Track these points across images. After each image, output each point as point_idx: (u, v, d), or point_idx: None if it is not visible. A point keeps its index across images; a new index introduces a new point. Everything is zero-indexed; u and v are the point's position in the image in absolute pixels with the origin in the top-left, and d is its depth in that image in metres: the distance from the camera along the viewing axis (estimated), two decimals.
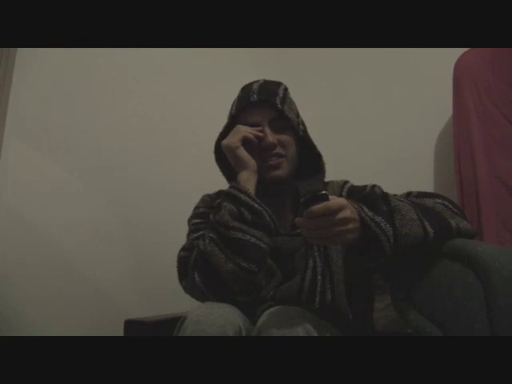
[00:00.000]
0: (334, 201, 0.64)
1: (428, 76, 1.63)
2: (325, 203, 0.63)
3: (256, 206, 0.85)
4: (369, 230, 0.68)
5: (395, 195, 0.91)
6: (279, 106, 0.93)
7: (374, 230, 0.68)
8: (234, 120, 0.98)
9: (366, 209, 0.70)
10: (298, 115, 1.00)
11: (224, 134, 0.99)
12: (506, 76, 1.34)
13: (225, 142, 0.93)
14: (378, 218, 0.69)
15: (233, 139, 0.92)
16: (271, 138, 0.92)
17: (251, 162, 0.92)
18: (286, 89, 1.00)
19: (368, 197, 0.74)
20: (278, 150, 0.94)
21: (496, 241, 1.25)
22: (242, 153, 0.92)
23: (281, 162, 0.94)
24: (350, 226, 0.66)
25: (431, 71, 1.62)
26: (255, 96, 0.94)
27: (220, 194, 1.03)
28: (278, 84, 1.00)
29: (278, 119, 0.94)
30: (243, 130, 0.92)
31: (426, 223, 0.71)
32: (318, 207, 0.63)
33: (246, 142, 0.92)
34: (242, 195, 0.86)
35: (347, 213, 0.66)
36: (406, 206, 0.73)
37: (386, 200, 0.73)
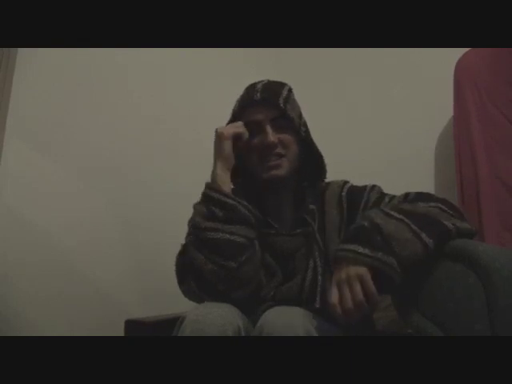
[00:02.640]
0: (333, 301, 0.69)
1: (428, 76, 1.63)
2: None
3: (229, 201, 0.86)
4: (376, 269, 0.68)
5: (394, 196, 0.91)
6: (282, 105, 0.93)
7: (381, 268, 0.68)
8: (236, 118, 0.99)
9: (361, 248, 0.70)
10: (300, 116, 1.00)
11: None
12: (505, 76, 1.34)
13: (220, 129, 0.94)
14: (379, 254, 0.69)
15: (228, 130, 0.93)
16: (272, 137, 0.92)
17: (232, 159, 0.93)
18: (290, 90, 1.00)
19: (357, 234, 0.73)
20: (279, 149, 0.94)
21: (496, 241, 1.25)
22: (228, 147, 0.92)
23: (281, 163, 0.94)
24: (353, 277, 0.68)
25: (432, 71, 1.62)
26: (258, 95, 0.94)
27: None
28: (283, 85, 1.00)
29: (280, 118, 0.94)
30: (241, 126, 0.94)
31: (423, 235, 0.70)
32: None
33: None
34: (214, 194, 0.87)
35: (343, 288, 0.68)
36: (398, 226, 0.72)
37: (377, 229, 0.72)
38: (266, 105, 0.94)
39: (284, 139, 0.94)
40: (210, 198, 0.88)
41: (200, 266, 0.82)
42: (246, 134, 0.94)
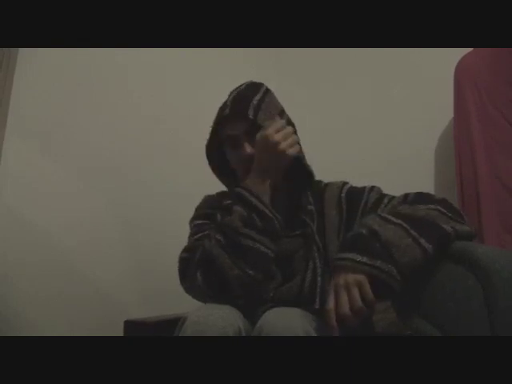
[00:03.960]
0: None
1: (429, 76, 1.63)
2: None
3: (268, 213, 0.85)
4: (375, 277, 0.68)
5: (393, 197, 0.90)
6: (251, 117, 0.90)
7: (378, 276, 0.68)
8: (215, 133, 0.98)
9: (359, 257, 0.69)
10: (279, 117, 0.95)
11: (209, 145, 1.00)
12: (505, 76, 1.34)
13: (284, 146, 0.86)
14: (378, 262, 0.68)
15: (293, 151, 0.87)
16: (248, 149, 0.91)
17: (280, 175, 0.90)
18: (264, 92, 0.96)
19: (355, 242, 0.73)
20: None
21: (496, 243, 1.25)
22: (283, 166, 0.89)
23: None
24: (352, 285, 0.68)
25: (432, 72, 1.62)
26: (228, 110, 0.93)
27: (223, 194, 1.03)
28: (255, 90, 0.96)
29: (253, 129, 0.90)
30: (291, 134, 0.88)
31: (422, 240, 0.70)
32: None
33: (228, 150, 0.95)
34: (253, 199, 0.85)
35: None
36: (396, 232, 0.72)
37: (375, 236, 0.72)
38: (237, 118, 0.92)
39: None
40: (249, 203, 0.85)
41: (224, 270, 0.80)
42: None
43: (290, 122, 0.97)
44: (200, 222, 0.97)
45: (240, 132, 0.92)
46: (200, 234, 0.92)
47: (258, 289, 0.84)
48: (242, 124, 0.92)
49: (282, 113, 0.98)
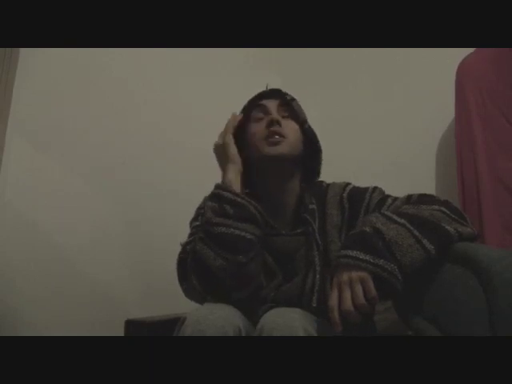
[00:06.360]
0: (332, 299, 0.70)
1: (430, 77, 1.62)
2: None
3: (239, 200, 0.87)
4: (377, 276, 0.68)
5: (396, 198, 0.90)
6: (288, 98, 0.98)
7: (381, 275, 0.68)
8: (244, 112, 1.00)
9: (362, 255, 0.70)
10: (305, 119, 1.00)
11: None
12: (507, 77, 1.34)
13: (217, 141, 0.97)
14: (381, 261, 0.69)
15: (225, 133, 0.96)
16: (275, 115, 0.94)
17: (239, 161, 0.94)
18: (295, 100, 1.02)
19: (358, 240, 0.73)
20: (281, 129, 0.93)
21: (498, 244, 1.25)
22: (233, 150, 0.94)
23: (282, 141, 0.93)
24: (355, 281, 0.69)
25: (434, 72, 1.62)
26: (267, 90, 1.00)
27: None
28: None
29: (286, 107, 0.98)
30: (230, 122, 0.97)
31: (425, 240, 0.71)
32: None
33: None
34: (224, 193, 0.88)
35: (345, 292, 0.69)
36: (400, 232, 0.72)
37: (379, 235, 0.72)
38: (274, 95, 0.99)
39: (287, 123, 0.95)
40: (220, 196, 0.88)
41: (209, 263, 0.82)
42: (240, 116, 0.98)
43: (309, 129, 1.00)
44: (198, 222, 0.98)
45: (274, 103, 0.97)
46: (193, 237, 0.93)
47: (246, 274, 0.84)
48: (277, 100, 0.98)
49: (306, 118, 1.01)
